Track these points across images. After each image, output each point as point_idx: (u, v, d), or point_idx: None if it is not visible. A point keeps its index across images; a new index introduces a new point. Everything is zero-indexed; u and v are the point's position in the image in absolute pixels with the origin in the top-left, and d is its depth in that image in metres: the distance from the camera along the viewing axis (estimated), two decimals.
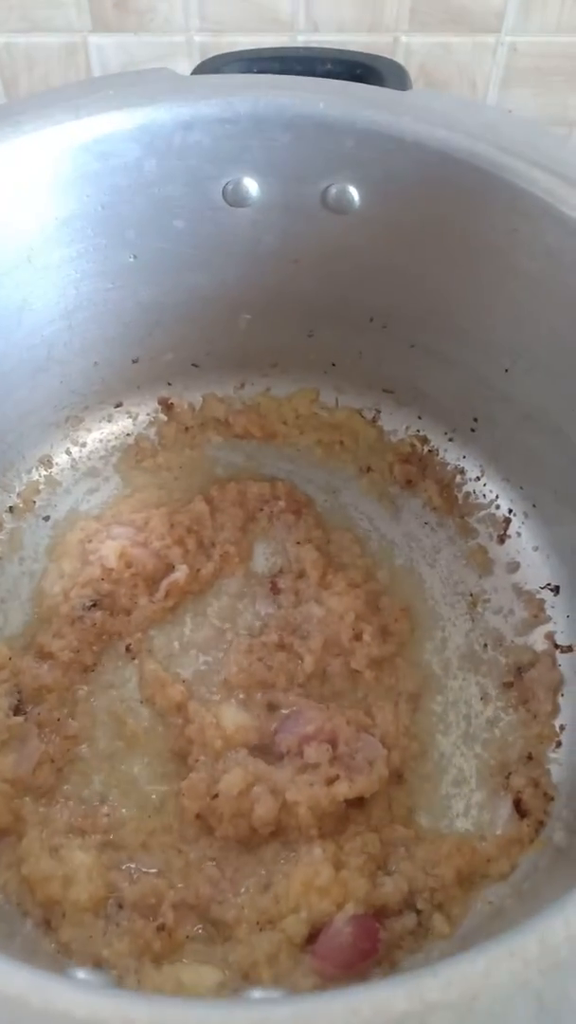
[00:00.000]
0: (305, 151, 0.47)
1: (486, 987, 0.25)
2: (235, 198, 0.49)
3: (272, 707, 0.49)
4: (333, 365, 0.59)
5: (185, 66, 0.76)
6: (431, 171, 0.45)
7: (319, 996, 0.25)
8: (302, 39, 0.74)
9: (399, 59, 0.73)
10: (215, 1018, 0.24)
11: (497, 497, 0.57)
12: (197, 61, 0.72)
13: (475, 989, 0.25)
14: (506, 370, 0.51)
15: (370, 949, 0.42)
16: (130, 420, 0.60)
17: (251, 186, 0.48)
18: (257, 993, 0.39)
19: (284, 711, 0.49)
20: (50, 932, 0.42)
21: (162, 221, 0.50)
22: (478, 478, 0.57)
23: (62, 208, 0.47)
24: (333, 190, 0.48)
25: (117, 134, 0.45)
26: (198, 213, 0.49)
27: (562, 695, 0.50)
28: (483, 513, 0.57)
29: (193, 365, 0.59)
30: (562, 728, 0.49)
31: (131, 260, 0.51)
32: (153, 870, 0.44)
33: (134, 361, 0.57)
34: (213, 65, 0.51)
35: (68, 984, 0.25)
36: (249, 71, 0.51)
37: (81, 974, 0.39)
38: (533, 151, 0.44)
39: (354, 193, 0.48)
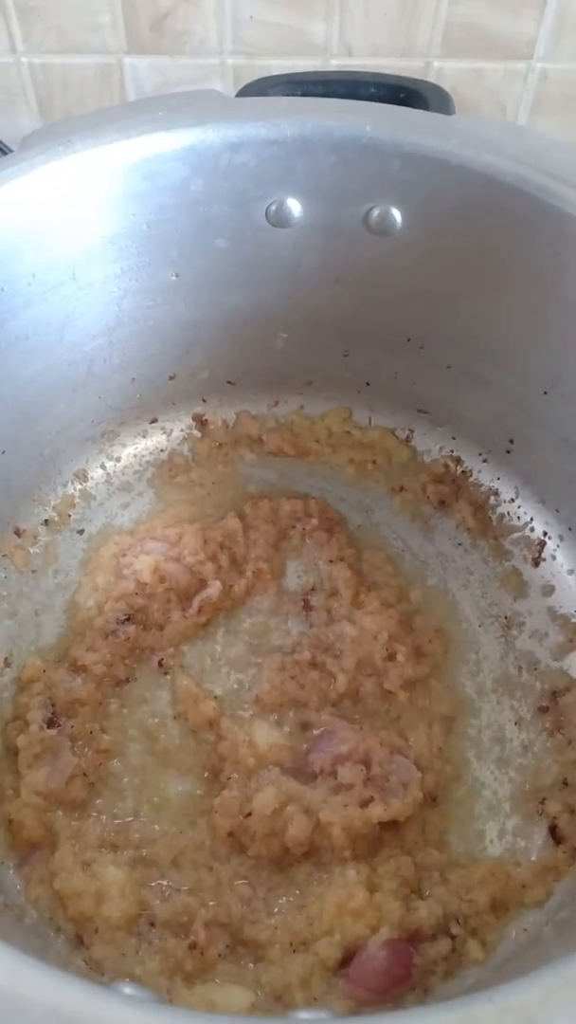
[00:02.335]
0: (349, 173, 0.47)
1: (543, 1017, 0.25)
2: (278, 219, 0.49)
3: (305, 726, 0.49)
4: (367, 384, 0.59)
5: (219, 88, 0.77)
6: (475, 195, 0.46)
7: (369, 1019, 0.25)
8: (335, 63, 0.75)
9: (439, 85, 0.73)
10: None
11: (532, 520, 0.56)
12: (231, 84, 0.73)
13: (531, 1017, 0.25)
14: (544, 393, 0.51)
15: (404, 975, 0.41)
16: (164, 436, 0.60)
17: (294, 207, 0.49)
18: (304, 1015, 0.38)
19: (316, 731, 0.49)
20: (82, 948, 0.42)
21: (205, 240, 0.50)
22: (512, 500, 0.57)
23: (108, 226, 0.48)
24: (376, 212, 0.48)
25: (165, 154, 0.46)
26: (241, 233, 0.50)
27: None
28: (517, 535, 0.57)
29: (228, 383, 0.60)
30: None
31: (173, 278, 0.51)
32: (185, 888, 0.44)
33: (171, 378, 0.58)
34: (258, 88, 0.52)
35: (119, 999, 0.25)
36: (293, 94, 0.51)
37: (128, 989, 0.39)
38: None
39: (397, 215, 0.48)
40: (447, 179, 0.46)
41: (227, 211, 0.49)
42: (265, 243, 0.50)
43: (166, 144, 0.46)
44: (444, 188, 0.46)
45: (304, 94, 0.51)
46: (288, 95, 0.51)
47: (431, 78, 0.76)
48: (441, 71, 0.76)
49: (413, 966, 0.42)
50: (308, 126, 0.46)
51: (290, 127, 0.46)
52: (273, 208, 0.49)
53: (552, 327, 0.48)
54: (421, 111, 0.48)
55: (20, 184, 0.44)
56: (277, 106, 0.48)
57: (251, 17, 0.72)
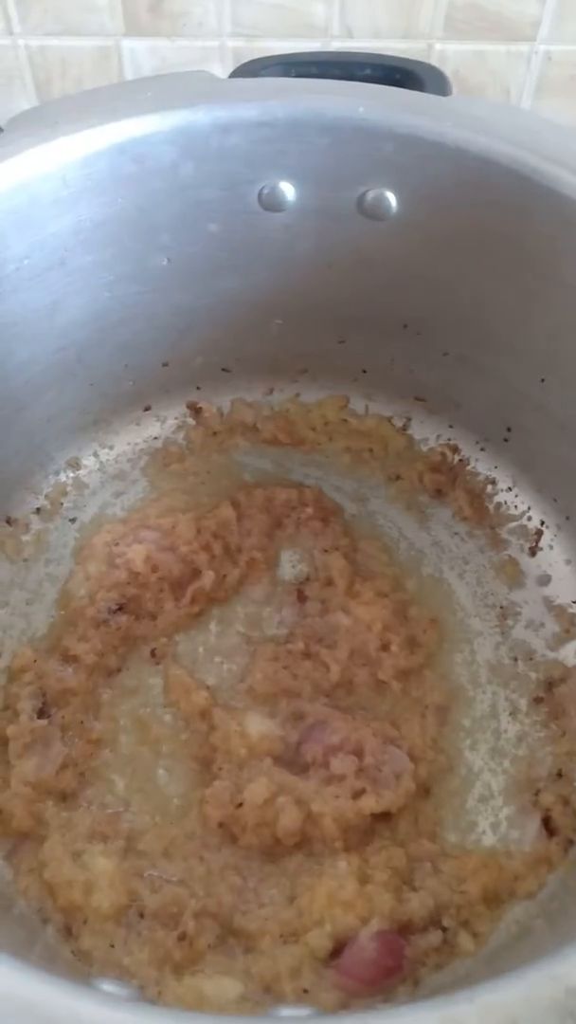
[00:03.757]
0: (343, 156, 0.46)
1: (525, 1015, 0.24)
2: (270, 202, 0.48)
3: (297, 716, 0.49)
4: (364, 372, 0.59)
5: (218, 70, 0.76)
6: (471, 177, 0.45)
7: (349, 1017, 0.25)
8: (336, 45, 0.74)
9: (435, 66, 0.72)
10: None
11: (529, 508, 0.56)
12: (230, 66, 0.72)
13: (513, 1016, 0.24)
14: (542, 380, 0.50)
15: (395, 966, 0.41)
16: (158, 424, 0.60)
17: (287, 190, 0.48)
18: (285, 1011, 0.38)
19: (309, 721, 0.48)
20: (71, 939, 0.42)
21: (196, 225, 0.49)
22: (510, 488, 0.57)
23: (97, 210, 0.47)
24: (370, 195, 0.47)
25: (154, 136, 0.45)
26: (233, 217, 0.49)
27: None
28: (514, 524, 0.56)
29: (223, 370, 0.59)
30: None
31: (164, 264, 0.50)
32: (175, 878, 0.44)
33: (164, 365, 0.57)
34: (250, 69, 0.51)
35: (96, 996, 0.25)
36: (287, 75, 0.50)
37: (106, 985, 0.38)
38: (574, 158, 0.43)
39: (391, 199, 0.47)
40: (442, 161, 0.45)
41: (219, 195, 0.48)
42: (258, 227, 0.49)
43: (155, 126, 0.45)
44: (439, 171, 0.45)
45: (298, 75, 0.50)
46: (282, 76, 0.50)
47: (433, 60, 0.74)
48: (443, 53, 0.74)
49: (404, 957, 0.41)
50: (300, 107, 0.45)
51: (281, 109, 0.45)
52: (265, 192, 0.48)
53: (549, 312, 0.47)
54: (415, 92, 0.47)
55: (6, 167, 0.43)
56: (268, 87, 0.47)
57: None
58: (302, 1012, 0.38)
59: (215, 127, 0.46)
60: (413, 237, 0.48)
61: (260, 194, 0.48)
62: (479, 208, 0.46)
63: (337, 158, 0.46)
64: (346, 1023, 0.25)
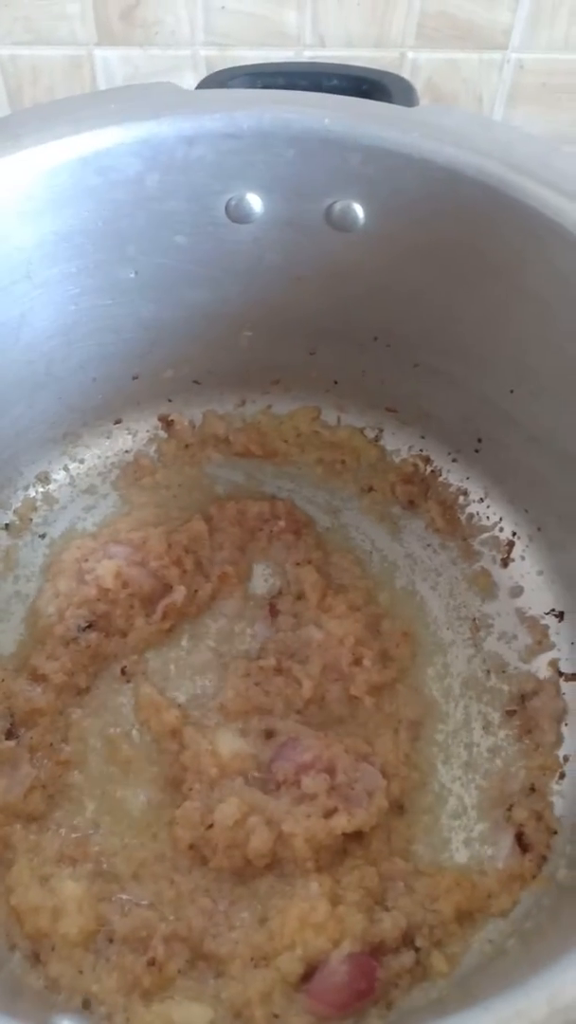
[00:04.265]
0: (310, 167, 0.46)
1: None
2: (238, 214, 0.48)
3: (269, 734, 0.48)
4: (335, 383, 0.58)
5: (191, 80, 0.75)
6: (438, 188, 0.44)
7: None
8: (308, 54, 0.73)
9: (406, 74, 0.72)
10: None
11: (501, 520, 0.56)
12: (203, 75, 0.72)
13: None
14: (511, 391, 0.50)
15: (366, 989, 0.41)
16: (130, 437, 0.59)
17: (254, 202, 0.48)
18: None
19: (281, 738, 0.48)
20: (38, 966, 0.41)
21: (163, 237, 0.49)
22: (481, 499, 0.56)
23: (62, 223, 0.46)
24: (337, 207, 0.47)
25: (118, 148, 0.45)
26: (200, 229, 0.48)
27: (566, 725, 0.49)
28: (486, 535, 0.56)
29: (194, 382, 0.58)
30: (566, 759, 0.48)
31: (132, 276, 0.50)
32: (145, 902, 0.43)
33: (134, 378, 0.56)
34: (218, 80, 0.50)
35: None
36: (254, 86, 0.50)
37: (66, 1022, 0.38)
38: (544, 169, 0.43)
39: (359, 210, 0.47)
40: (409, 173, 0.45)
41: (185, 207, 0.47)
42: (225, 239, 0.49)
43: (119, 138, 0.44)
44: (406, 182, 0.45)
45: (265, 86, 0.50)
46: (249, 87, 0.50)
47: (405, 69, 0.74)
48: (416, 62, 0.74)
49: (376, 980, 0.41)
50: (266, 119, 0.45)
51: (247, 120, 0.45)
52: (233, 203, 0.48)
53: (516, 324, 0.47)
54: (382, 103, 0.47)
55: None
56: (234, 98, 0.46)
57: (223, 7, 0.70)
58: None
59: (180, 139, 0.45)
60: (381, 248, 0.48)
61: (227, 206, 0.48)
62: (446, 219, 0.45)
63: (304, 169, 0.46)
64: None
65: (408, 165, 0.45)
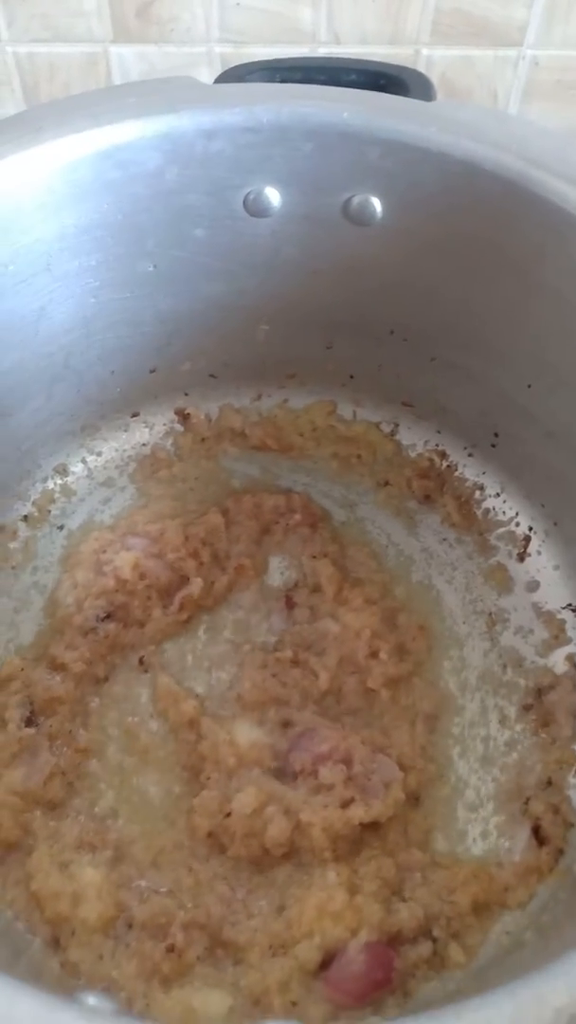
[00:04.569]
0: (328, 161, 0.46)
1: None
2: (256, 208, 0.48)
3: (286, 725, 0.49)
4: (351, 377, 0.58)
5: (206, 76, 0.75)
6: (456, 183, 0.45)
7: None
8: (323, 51, 0.73)
9: (420, 71, 0.72)
10: None
11: (517, 514, 0.56)
12: (218, 71, 0.72)
13: None
14: (529, 386, 0.50)
15: (384, 979, 0.41)
16: (147, 430, 0.60)
17: (272, 196, 0.48)
18: None
19: (298, 729, 0.48)
20: (58, 951, 0.42)
21: (182, 230, 0.49)
22: (498, 494, 0.56)
23: (82, 216, 0.47)
24: (355, 201, 0.47)
25: (138, 142, 0.45)
26: (218, 223, 0.49)
27: None
28: (503, 530, 0.56)
29: (210, 376, 0.59)
30: None
31: (150, 269, 0.50)
32: (163, 889, 0.43)
33: (151, 371, 0.57)
34: (236, 74, 0.51)
35: (77, 1012, 0.24)
36: (272, 80, 0.50)
37: (91, 999, 0.38)
38: (561, 164, 0.43)
39: (376, 204, 0.47)
40: (427, 167, 0.45)
41: (204, 200, 0.48)
42: (243, 233, 0.49)
43: (139, 131, 0.45)
44: (424, 176, 0.45)
45: (283, 81, 0.50)
46: (267, 82, 0.50)
47: (420, 65, 0.74)
48: (430, 58, 0.74)
49: (393, 969, 0.41)
50: (284, 113, 0.45)
51: (266, 114, 0.45)
52: (251, 197, 0.48)
53: (534, 318, 0.47)
54: (400, 97, 0.47)
55: None
56: (253, 93, 0.47)
57: (238, 3, 0.70)
58: None
59: (199, 132, 0.45)
60: (399, 242, 0.48)
61: (246, 199, 0.48)
62: (464, 213, 0.45)
63: (322, 163, 0.46)
64: None
65: (426, 159, 0.45)
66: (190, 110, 0.45)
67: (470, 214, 0.45)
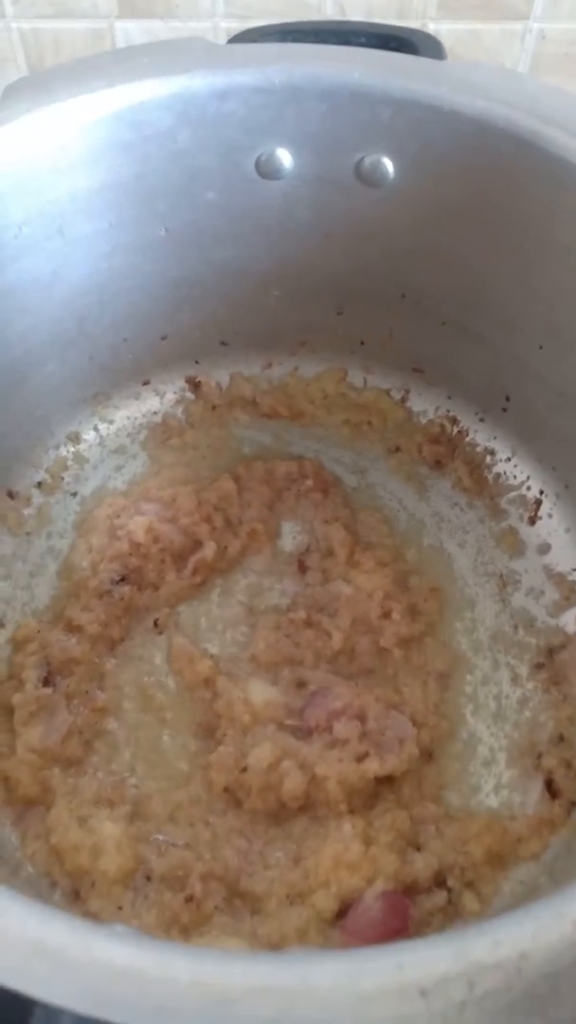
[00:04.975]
0: (340, 121, 0.46)
1: (535, 948, 0.25)
2: (268, 170, 0.48)
3: (300, 684, 0.49)
4: (362, 344, 0.59)
5: None
6: (468, 141, 0.45)
7: (363, 952, 0.25)
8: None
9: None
10: (258, 972, 0.24)
11: (528, 478, 0.56)
12: None
13: (523, 949, 0.25)
14: (540, 347, 0.50)
15: (400, 926, 0.41)
16: (158, 398, 0.60)
17: (284, 158, 0.48)
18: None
19: (312, 688, 0.49)
20: (79, 902, 0.42)
21: (194, 193, 0.49)
22: (509, 459, 0.57)
23: (95, 178, 0.47)
24: (367, 162, 0.47)
25: (150, 103, 0.45)
26: (230, 185, 0.49)
27: None
28: (514, 494, 0.56)
29: (221, 343, 0.59)
30: None
31: (162, 233, 0.50)
32: (181, 842, 0.44)
33: (163, 338, 0.57)
34: (248, 37, 0.51)
35: (107, 934, 0.25)
36: (284, 43, 0.50)
37: (120, 928, 0.39)
38: (573, 121, 0.44)
39: (388, 165, 0.47)
40: (439, 126, 0.45)
41: (216, 162, 0.48)
42: (255, 195, 0.49)
43: (151, 92, 0.45)
44: (436, 135, 0.45)
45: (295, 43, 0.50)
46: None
47: None
48: (437, 32, 0.74)
49: (409, 918, 0.42)
50: (296, 73, 0.45)
51: (278, 74, 0.45)
52: (263, 159, 0.48)
53: (547, 278, 0.47)
54: (412, 56, 0.47)
55: (3, 134, 0.43)
56: (265, 53, 0.47)
57: None
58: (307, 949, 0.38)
59: (212, 93, 0.46)
60: (410, 204, 0.48)
61: (257, 161, 0.48)
62: (476, 173, 0.46)
63: (334, 124, 0.46)
64: (359, 958, 0.25)
65: (438, 118, 0.45)
66: (203, 71, 0.45)
67: (482, 173, 0.46)
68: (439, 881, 0.43)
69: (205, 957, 0.24)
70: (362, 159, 0.48)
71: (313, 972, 0.24)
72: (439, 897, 0.42)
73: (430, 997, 0.23)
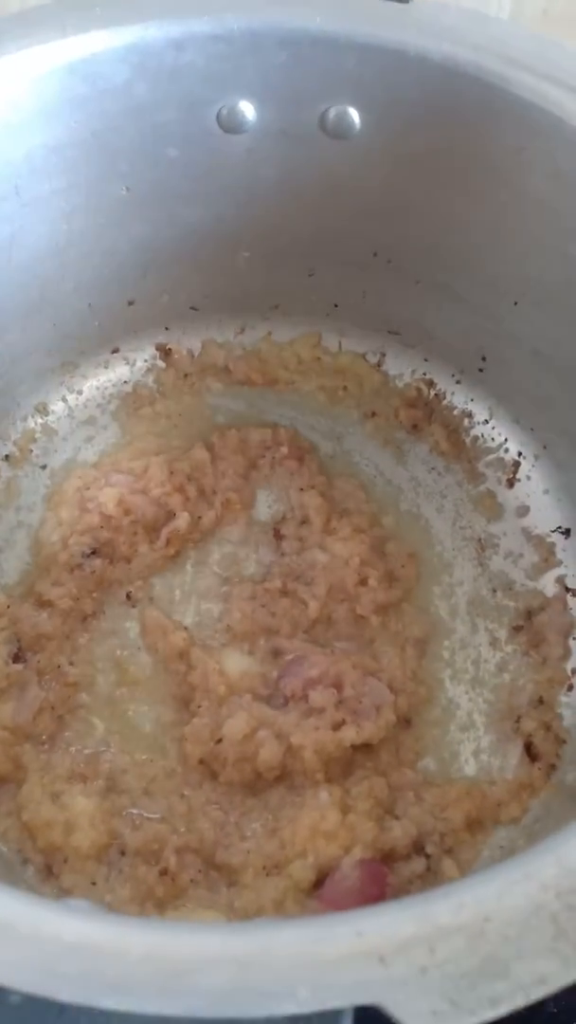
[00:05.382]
0: (302, 71, 0.45)
1: (499, 910, 0.24)
2: (230, 124, 0.47)
3: (276, 653, 0.48)
4: (336, 306, 0.57)
5: None
6: (435, 88, 0.43)
7: (322, 919, 0.24)
8: None
9: None
10: (213, 944, 0.23)
11: (506, 440, 0.55)
12: None
13: (488, 912, 0.24)
14: (515, 303, 0.49)
15: (378, 894, 0.41)
16: (127, 367, 0.58)
17: (247, 110, 0.46)
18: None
19: (288, 656, 0.48)
20: (51, 879, 0.42)
21: (155, 150, 0.47)
22: (486, 421, 0.56)
23: (50, 135, 0.45)
24: (332, 113, 0.46)
25: (104, 54, 0.43)
26: (192, 141, 0.47)
27: (574, 638, 0.49)
28: (492, 457, 0.55)
29: (191, 308, 0.57)
30: (574, 671, 0.48)
31: (123, 192, 0.49)
32: (156, 815, 0.43)
33: (130, 303, 0.55)
34: None
35: (58, 909, 0.24)
36: None
37: (76, 902, 0.38)
38: (543, 64, 0.42)
39: (354, 115, 0.46)
40: (405, 73, 0.44)
41: (176, 117, 0.46)
42: (218, 151, 0.48)
43: (106, 43, 0.43)
44: (402, 83, 0.44)
45: None
46: None
47: None
48: None
49: (387, 885, 0.41)
50: (256, 20, 0.43)
51: (236, 22, 0.43)
52: (224, 112, 0.46)
53: (518, 230, 0.46)
54: (376, 0, 0.45)
55: None
56: (223, 0, 0.45)
57: None
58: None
59: (168, 43, 0.44)
60: (379, 155, 0.47)
61: (219, 115, 0.46)
62: (445, 120, 0.44)
63: (297, 73, 0.45)
64: (319, 926, 0.24)
65: (404, 65, 0.44)
66: (158, 20, 0.44)
67: (451, 121, 0.44)
68: (418, 848, 0.42)
69: (159, 930, 0.23)
70: (327, 110, 0.46)
71: (272, 941, 0.23)
72: (418, 864, 0.42)
73: (389, 963, 0.22)
